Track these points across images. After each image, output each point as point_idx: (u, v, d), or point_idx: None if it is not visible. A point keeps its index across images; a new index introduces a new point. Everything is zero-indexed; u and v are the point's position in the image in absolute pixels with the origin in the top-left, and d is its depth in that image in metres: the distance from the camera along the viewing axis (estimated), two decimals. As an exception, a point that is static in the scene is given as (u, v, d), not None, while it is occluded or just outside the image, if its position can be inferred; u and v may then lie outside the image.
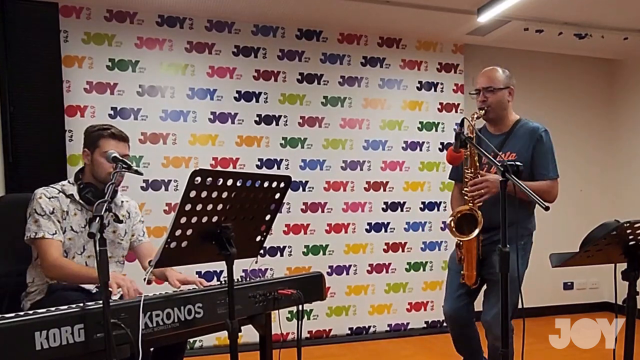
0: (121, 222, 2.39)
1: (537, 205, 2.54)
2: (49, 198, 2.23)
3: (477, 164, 2.63)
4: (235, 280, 1.95)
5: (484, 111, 2.65)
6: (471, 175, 2.63)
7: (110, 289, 1.91)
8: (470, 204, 2.60)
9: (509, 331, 2.55)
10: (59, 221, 2.23)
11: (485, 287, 2.79)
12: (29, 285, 2.26)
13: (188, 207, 1.64)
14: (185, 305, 1.85)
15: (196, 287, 2.20)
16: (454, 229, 2.62)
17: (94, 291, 2.25)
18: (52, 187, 2.29)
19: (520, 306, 2.07)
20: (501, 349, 2.04)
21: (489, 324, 2.66)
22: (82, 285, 2.24)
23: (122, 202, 2.50)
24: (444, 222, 4.73)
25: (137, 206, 2.59)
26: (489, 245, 2.65)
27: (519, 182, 1.94)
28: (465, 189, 2.64)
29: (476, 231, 2.54)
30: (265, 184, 1.87)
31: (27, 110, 3.57)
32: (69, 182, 2.35)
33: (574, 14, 4.15)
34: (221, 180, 1.69)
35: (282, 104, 4.33)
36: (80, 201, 2.29)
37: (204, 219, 1.71)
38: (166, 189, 4.03)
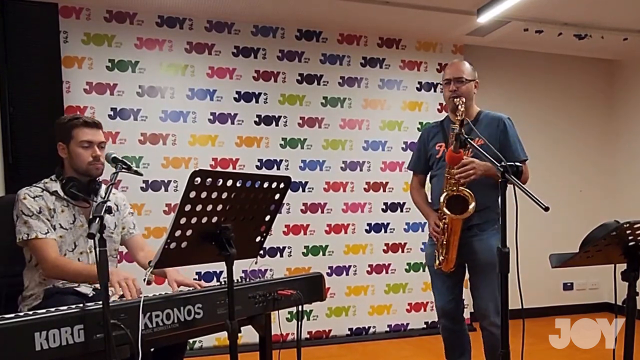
0: (111, 213, 2.35)
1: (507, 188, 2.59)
2: (34, 197, 2.19)
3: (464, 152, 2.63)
4: (235, 281, 1.95)
5: (459, 99, 2.64)
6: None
7: (112, 288, 1.90)
8: (453, 188, 2.60)
9: (506, 323, 2.55)
10: (48, 220, 2.18)
11: (468, 276, 2.81)
12: (25, 289, 2.23)
13: (188, 207, 1.64)
14: (185, 306, 1.85)
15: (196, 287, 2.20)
16: (445, 209, 2.61)
17: (90, 295, 2.21)
18: (34, 186, 2.25)
19: (518, 298, 2.07)
20: (501, 349, 2.04)
21: (481, 307, 2.69)
22: (79, 289, 2.21)
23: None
24: (443, 223, 4.73)
25: (124, 198, 2.54)
26: (466, 230, 2.66)
27: (520, 183, 1.95)
28: (451, 171, 2.62)
29: (472, 205, 2.54)
30: (265, 185, 1.87)
31: (27, 111, 3.57)
32: (51, 179, 2.31)
33: (573, 15, 4.16)
34: (221, 181, 1.69)
35: (281, 105, 4.33)
36: (65, 197, 2.25)
37: (204, 220, 1.71)
38: (166, 190, 4.03)
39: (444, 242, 2.69)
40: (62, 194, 2.25)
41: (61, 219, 2.23)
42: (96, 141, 2.27)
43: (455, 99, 2.66)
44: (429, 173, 2.94)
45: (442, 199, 2.63)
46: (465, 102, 2.67)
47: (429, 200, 2.93)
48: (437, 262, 2.74)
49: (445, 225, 2.67)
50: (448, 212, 2.60)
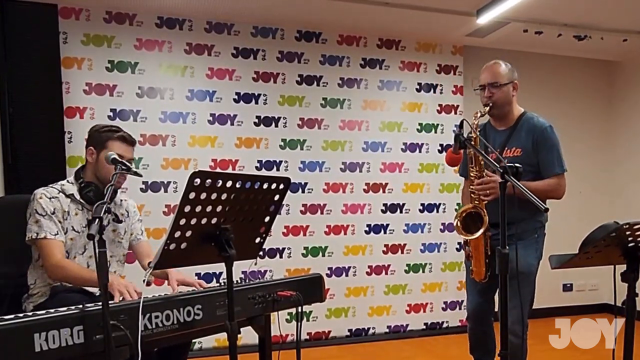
0: (121, 221, 2.39)
1: (547, 198, 2.56)
2: (50, 198, 2.22)
3: (482, 163, 2.61)
4: (235, 282, 1.95)
5: (488, 107, 2.62)
6: (476, 173, 2.61)
7: (112, 293, 1.90)
8: (475, 202, 2.59)
9: (524, 327, 2.54)
10: (60, 221, 2.21)
11: None
12: (30, 287, 2.24)
13: (187, 208, 1.64)
14: (185, 307, 1.85)
15: (195, 288, 2.20)
16: (460, 228, 2.60)
17: (97, 293, 2.21)
18: (51, 187, 2.28)
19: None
20: (500, 350, 2.03)
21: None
22: (85, 288, 2.22)
23: (121, 200, 2.50)
24: (443, 224, 4.73)
25: (135, 205, 2.58)
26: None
27: (519, 184, 1.94)
28: (471, 186, 2.62)
29: (481, 230, 2.52)
30: (265, 186, 1.87)
31: (27, 111, 3.57)
32: (68, 181, 2.33)
33: (573, 16, 4.16)
34: (220, 182, 1.69)
35: (281, 106, 4.33)
36: (81, 201, 2.28)
37: (204, 221, 1.71)
38: (165, 191, 4.03)
39: (470, 254, 2.68)
40: (78, 197, 2.28)
41: (74, 222, 2.26)
42: (127, 157, 2.29)
43: (485, 108, 2.61)
44: None
45: (455, 219, 2.62)
46: (501, 107, 2.64)
47: None
48: (471, 272, 2.73)
49: (468, 240, 2.65)
50: (463, 232, 2.58)
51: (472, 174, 2.63)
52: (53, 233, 2.17)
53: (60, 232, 2.20)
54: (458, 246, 4.68)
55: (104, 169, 2.28)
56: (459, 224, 2.60)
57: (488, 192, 2.53)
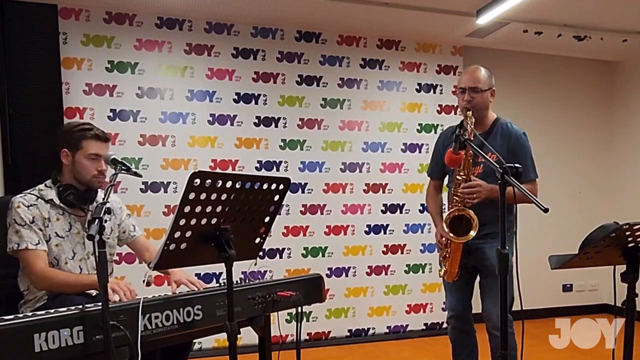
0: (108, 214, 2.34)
1: (521, 202, 2.58)
2: (28, 206, 2.14)
3: (470, 166, 2.63)
4: (235, 282, 1.95)
5: (471, 112, 2.64)
6: (464, 177, 2.63)
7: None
8: (458, 205, 2.61)
9: (508, 322, 2.57)
10: (40, 229, 2.14)
11: (478, 278, 2.82)
12: (25, 294, 2.20)
13: (187, 209, 1.64)
14: (185, 307, 1.85)
15: (195, 288, 2.20)
16: (450, 233, 2.62)
17: (94, 294, 2.19)
18: (29, 193, 2.19)
19: (517, 300, 2.09)
20: (500, 350, 2.04)
21: (487, 311, 2.70)
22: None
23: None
24: (443, 224, 4.73)
25: (120, 201, 2.51)
26: (479, 237, 2.67)
27: (518, 184, 1.94)
28: (456, 190, 2.65)
29: (472, 233, 2.54)
30: (265, 186, 1.87)
31: (27, 112, 3.57)
32: (46, 185, 2.26)
33: (573, 16, 4.16)
34: (220, 182, 1.69)
35: (281, 106, 4.33)
36: (62, 205, 2.21)
37: (203, 221, 1.71)
38: (165, 191, 4.03)
39: (447, 255, 2.70)
40: (57, 201, 2.21)
41: (56, 228, 2.20)
42: (104, 155, 2.23)
43: (468, 112, 2.63)
44: (446, 179, 2.95)
45: (444, 218, 2.64)
46: (479, 112, 2.68)
47: (444, 204, 2.94)
48: (442, 271, 2.76)
49: (448, 241, 2.67)
50: (451, 235, 2.60)
51: (458, 177, 2.65)
52: (34, 243, 2.11)
53: (42, 241, 2.13)
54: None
55: (83, 170, 2.22)
56: (446, 226, 2.62)
57: (475, 195, 2.58)
